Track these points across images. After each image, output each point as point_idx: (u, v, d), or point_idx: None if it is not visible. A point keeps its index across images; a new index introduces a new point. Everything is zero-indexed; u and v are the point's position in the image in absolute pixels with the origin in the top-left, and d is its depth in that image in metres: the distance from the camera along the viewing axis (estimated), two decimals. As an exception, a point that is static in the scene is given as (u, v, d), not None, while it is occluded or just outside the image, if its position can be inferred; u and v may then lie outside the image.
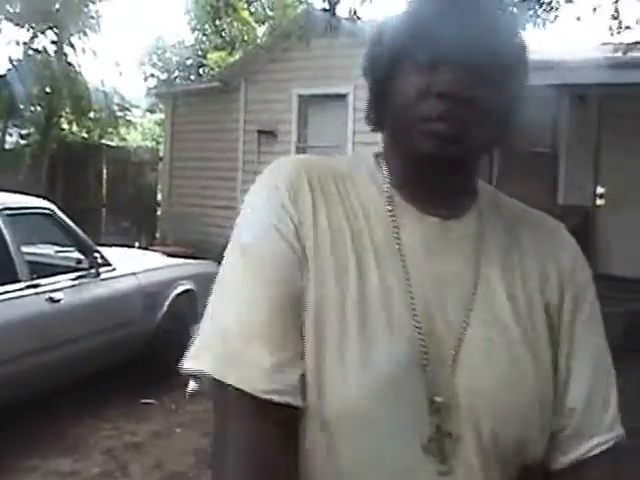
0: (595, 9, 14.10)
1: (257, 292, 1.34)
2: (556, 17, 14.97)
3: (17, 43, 18.05)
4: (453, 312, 1.41)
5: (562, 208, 13.28)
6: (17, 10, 17.46)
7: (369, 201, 1.47)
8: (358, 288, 1.36)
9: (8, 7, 17.42)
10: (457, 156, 1.38)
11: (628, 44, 11.71)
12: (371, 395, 1.31)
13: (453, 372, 1.37)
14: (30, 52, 17.92)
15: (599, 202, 13.76)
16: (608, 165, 13.27)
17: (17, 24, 17.78)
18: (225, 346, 1.32)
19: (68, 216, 7.62)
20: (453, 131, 1.34)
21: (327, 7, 10.88)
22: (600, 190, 13.70)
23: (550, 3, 14.79)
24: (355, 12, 12.37)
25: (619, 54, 11.64)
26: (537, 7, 14.71)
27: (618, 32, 11.99)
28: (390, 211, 1.46)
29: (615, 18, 12.01)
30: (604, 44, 13.02)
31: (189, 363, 1.34)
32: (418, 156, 1.39)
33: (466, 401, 1.37)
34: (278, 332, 1.32)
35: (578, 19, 15.34)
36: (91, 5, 17.73)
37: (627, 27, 11.90)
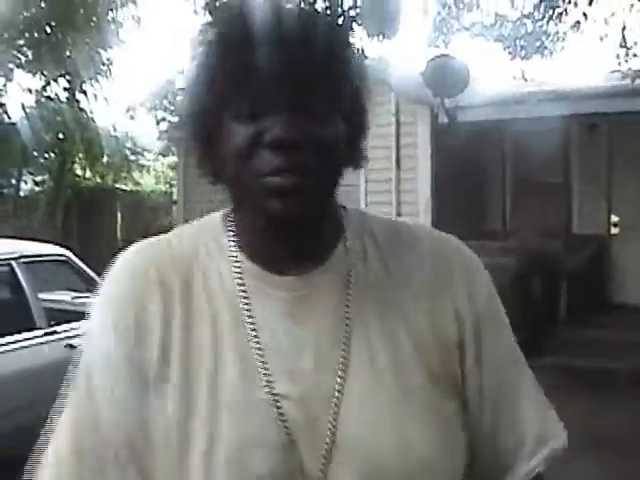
0: (602, 38, 14.16)
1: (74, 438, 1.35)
2: (563, 48, 15.03)
3: (30, 91, 18.20)
4: (327, 381, 1.27)
5: (577, 237, 13.27)
6: (29, 58, 17.62)
7: (216, 280, 1.34)
8: (208, 388, 1.27)
9: (20, 55, 17.58)
10: (305, 206, 1.23)
11: (636, 71, 11.73)
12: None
13: (331, 445, 1.25)
14: (42, 99, 18.06)
15: (614, 231, 13.74)
16: (621, 193, 13.27)
17: (29, 71, 17.94)
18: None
19: (84, 261, 7.65)
20: (295, 182, 1.21)
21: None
22: (614, 219, 13.68)
23: (557, 34, 14.86)
24: (362, 51, 12.44)
25: (628, 82, 11.66)
26: (544, 38, 14.78)
27: (626, 60, 12.02)
28: (240, 285, 1.32)
29: (623, 46, 12.05)
30: (612, 72, 13.05)
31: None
32: (265, 215, 1.26)
33: (340, 473, 1.25)
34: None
35: (585, 49, 15.41)
36: (102, 52, 17.88)
37: (635, 55, 11.93)
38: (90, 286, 7.53)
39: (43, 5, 16.21)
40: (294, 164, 1.20)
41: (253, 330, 1.29)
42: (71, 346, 6.76)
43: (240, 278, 1.33)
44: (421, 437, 1.27)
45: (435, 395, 1.31)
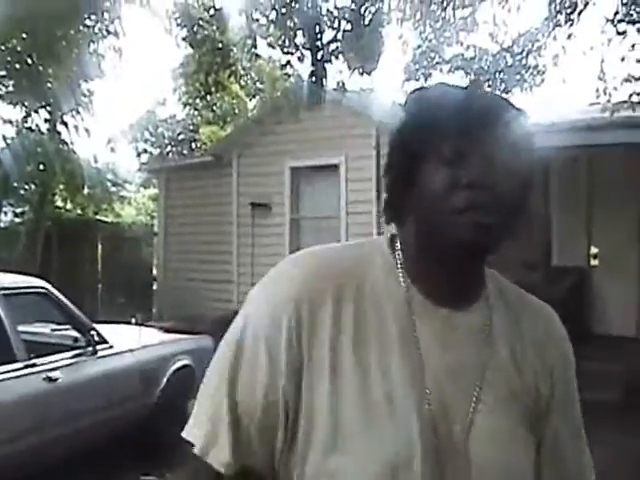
0: (581, 72, 14.27)
1: (230, 396, 1.49)
2: (542, 81, 15.17)
3: (10, 122, 18.17)
4: (463, 401, 1.49)
5: (557, 269, 13.32)
6: (10, 89, 17.61)
7: (385, 296, 1.52)
8: (358, 388, 1.43)
9: (1, 86, 17.57)
10: (489, 243, 1.47)
11: (615, 104, 11.83)
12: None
13: (466, 464, 1.46)
14: (23, 130, 18.03)
15: (593, 262, 13.81)
16: (601, 225, 13.35)
17: (10, 102, 17.91)
18: (206, 430, 1.50)
19: (63, 294, 7.61)
20: (486, 219, 1.41)
21: (314, 80, 10.99)
22: (594, 250, 13.75)
23: (536, 67, 14.99)
24: (343, 84, 12.50)
25: (607, 115, 11.76)
26: (523, 72, 14.90)
27: (605, 93, 12.13)
28: (407, 302, 1.51)
29: (601, 79, 12.16)
30: (592, 105, 13.16)
31: (185, 432, 1.53)
32: (455, 246, 1.45)
33: None
34: (240, 437, 1.48)
35: (564, 82, 15.56)
36: (83, 84, 17.87)
37: (614, 88, 12.04)
38: (69, 318, 7.50)
39: (24, 36, 16.19)
40: (487, 203, 1.41)
41: (418, 349, 1.48)
42: (50, 379, 6.72)
43: (408, 298, 1.52)
44: (522, 468, 1.54)
45: (529, 429, 1.57)
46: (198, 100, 29.53)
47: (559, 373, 1.64)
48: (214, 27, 15.34)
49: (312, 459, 1.43)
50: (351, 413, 1.42)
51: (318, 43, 10.47)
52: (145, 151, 32.57)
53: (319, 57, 10.30)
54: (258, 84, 26.82)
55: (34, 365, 6.67)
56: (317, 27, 10.44)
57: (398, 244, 1.58)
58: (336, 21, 10.69)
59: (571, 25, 13.80)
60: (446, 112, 1.44)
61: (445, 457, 1.44)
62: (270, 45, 14.00)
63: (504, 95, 14.93)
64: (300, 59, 11.01)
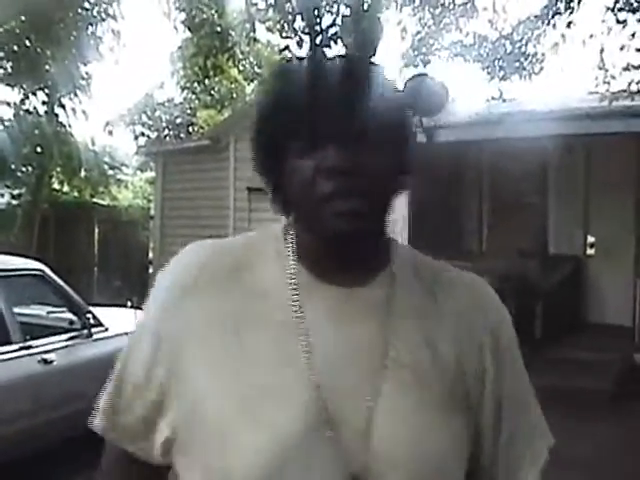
0: (580, 60, 14.25)
1: (125, 378, 1.56)
2: (541, 69, 15.14)
3: (8, 104, 18.13)
4: (363, 381, 1.42)
5: (553, 258, 13.35)
6: (8, 71, 17.56)
7: (271, 281, 1.50)
8: (238, 376, 1.42)
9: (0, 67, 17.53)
10: (362, 228, 1.41)
11: (614, 93, 11.81)
12: (274, 464, 1.36)
13: (366, 442, 1.39)
14: (21, 112, 17.99)
15: (590, 251, 13.83)
16: (597, 214, 13.36)
17: (8, 84, 17.87)
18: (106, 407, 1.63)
19: (60, 276, 7.62)
20: (349, 206, 1.37)
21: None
22: (590, 239, 13.77)
23: (535, 55, 14.96)
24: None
25: (605, 103, 11.74)
26: (522, 59, 14.87)
27: (604, 82, 12.11)
28: (294, 288, 1.48)
29: (601, 68, 12.14)
30: (590, 93, 13.13)
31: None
32: (327, 235, 1.43)
33: (380, 470, 1.39)
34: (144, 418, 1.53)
35: (563, 70, 15.55)
36: (81, 66, 17.82)
37: (612, 77, 12.02)
38: (65, 301, 7.50)
39: (23, 18, 16.14)
40: (347, 189, 1.38)
41: (302, 330, 1.44)
42: (45, 361, 6.72)
43: (293, 282, 1.49)
44: (449, 438, 1.45)
45: (454, 415, 1.47)
46: (196, 84, 29.47)
47: (492, 345, 1.54)
48: (213, 10, 15.30)
49: (196, 451, 1.44)
50: (232, 405, 1.40)
51: (317, 27, 10.44)
52: (142, 134, 32.49)
53: (318, 42, 10.28)
54: (256, 68, 26.75)
55: (29, 347, 6.68)
56: (316, 11, 10.41)
57: (291, 232, 1.56)
58: (335, 5, 10.65)
59: (571, 13, 13.77)
60: (301, 95, 1.41)
61: (341, 446, 1.38)
62: (268, 29, 13.97)
63: (502, 81, 14.95)
64: (299, 44, 10.97)
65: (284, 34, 11.13)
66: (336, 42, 10.07)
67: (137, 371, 1.52)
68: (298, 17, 10.85)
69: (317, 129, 1.39)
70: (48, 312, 7.75)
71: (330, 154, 1.37)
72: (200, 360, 1.45)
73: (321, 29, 10.18)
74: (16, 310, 6.89)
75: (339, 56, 1.50)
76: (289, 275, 1.50)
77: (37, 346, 6.78)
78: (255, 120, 1.51)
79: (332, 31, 10.15)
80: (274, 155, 1.46)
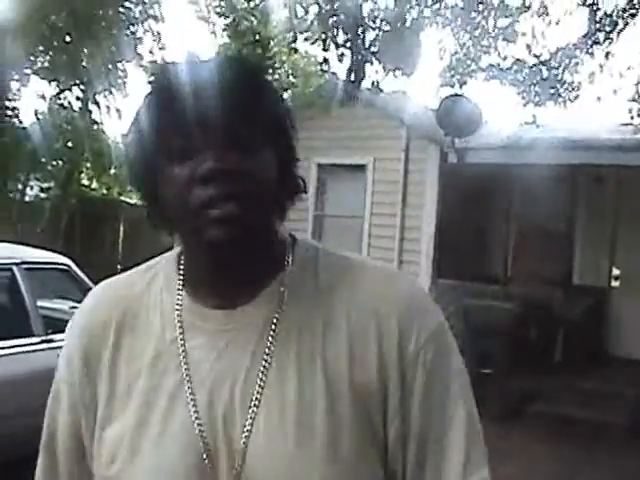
0: (616, 91, 14.23)
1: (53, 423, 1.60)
2: (577, 97, 15.12)
3: (43, 97, 18.26)
4: (240, 412, 1.37)
5: (577, 288, 13.28)
6: (45, 65, 17.69)
7: (158, 313, 1.48)
8: (126, 413, 1.44)
9: (37, 61, 17.65)
10: (240, 235, 1.33)
11: (647, 126, 11.80)
12: None
13: (239, 473, 1.36)
14: (55, 107, 18.11)
15: (614, 283, 13.75)
16: (624, 247, 13.28)
17: (44, 78, 18.00)
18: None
19: (83, 271, 7.65)
20: (228, 211, 1.31)
21: (353, 79, 10.99)
22: (615, 272, 13.69)
23: (571, 83, 14.95)
24: (377, 84, 12.52)
25: (638, 136, 11.71)
26: (558, 86, 14.86)
27: (638, 114, 12.10)
28: (178, 316, 1.46)
29: (635, 100, 12.12)
30: (623, 125, 13.10)
31: None
32: (203, 244, 1.37)
33: None
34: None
35: (598, 99, 15.51)
36: (118, 65, 17.94)
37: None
38: (89, 297, 7.53)
39: (65, 14, 16.26)
40: (225, 194, 1.30)
41: (185, 362, 1.42)
42: (65, 356, 6.76)
43: (179, 311, 1.46)
44: (317, 475, 1.33)
45: (341, 435, 1.35)
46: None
47: (396, 349, 1.38)
48: (255, 19, 15.35)
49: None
50: (119, 442, 1.42)
51: (359, 42, 10.46)
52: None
53: (360, 58, 10.31)
54: (292, 78, 26.80)
55: (51, 341, 6.71)
56: (359, 27, 10.46)
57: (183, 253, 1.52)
58: (377, 21, 10.69)
59: (610, 44, 13.76)
60: (176, 98, 1.33)
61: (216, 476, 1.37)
62: (307, 40, 14.02)
63: (536, 107, 14.91)
64: (340, 58, 11.02)
65: (326, 47, 11.20)
66: (377, 59, 10.12)
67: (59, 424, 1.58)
68: (340, 31, 10.91)
69: (191, 134, 1.32)
70: (71, 307, 7.78)
71: (206, 160, 1.31)
72: (100, 395, 1.49)
73: (364, 45, 10.22)
74: (39, 303, 6.92)
75: (216, 58, 1.44)
76: (175, 302, 1.48)
77: (58, 340, 6.80)
78: (129, 127, 1.44)
79: (373, 48, 10.18)
80: (149, 164, 1.39)
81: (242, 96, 1.34)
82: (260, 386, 1.37)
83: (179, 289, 1.48)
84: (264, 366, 1.38)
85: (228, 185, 1.31)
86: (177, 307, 1.46)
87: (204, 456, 1.36)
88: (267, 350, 1.39)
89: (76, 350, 1.53)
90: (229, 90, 1.34)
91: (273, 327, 1.40)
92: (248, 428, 1.35)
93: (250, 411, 1.36)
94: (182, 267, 1.50)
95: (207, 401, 1.38)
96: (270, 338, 1.39)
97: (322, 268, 1.47)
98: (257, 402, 1.36)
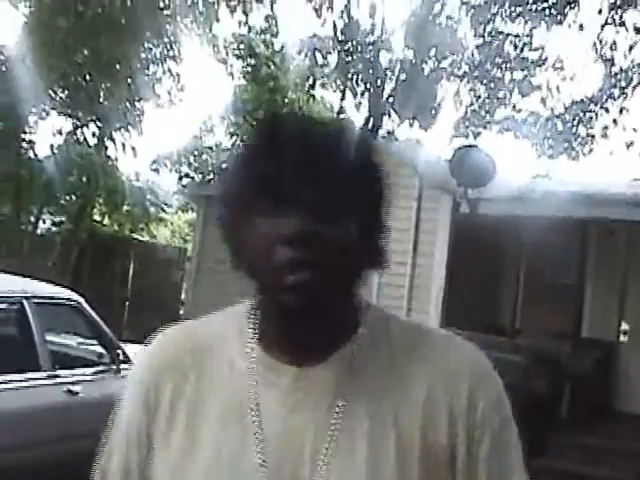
0: (629, 145, 14.28)
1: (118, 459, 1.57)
2: (590, 151, 15.17)
3: (60, 132, 18.38)
4: (308, 468, 1.38)
5: (586, 341, 13.23)
6: (63, 100, 17.84)
7: (229, 366, 1.49)
8: (193, 461, 1.43)
9: (55, 97, 17.79)
10: (313, 301, 1.34)
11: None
12: None
13: None
14: (71, 142, 18.22)
15: (622, 338, 13.71)
16: (633, 301, 13.25)
17: (61, 113, 18.14)
18: None
19: (91, 307, 7.66)
20: (304, 278, 1.32)
21: (370, 128, 11.05)
22: (624, 326, 13.65)
23: (585, 137, 15.00)
24: (393, 133, 12.57)
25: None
26: (572, 139, 14.91)
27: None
28: (251, 368, 1.46)
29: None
30: (636, 180, 13.13)
31: None
32: (278, 306, 1.38)
33: None
34: None
35: (611, 154, 15.56)
36: (136, 103, 18.08)
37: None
38: (97, 334, 7.54)
39: (86, 52, 16.43)
40: (303, 259, 1.31)
41: (255, 414, 1.43)
42: (70, 392, 6.75)
43: (251, 364, 1.47)
44: None
45: None
46: (245, 132, 29.64)
47: (464, 416, 1.41)
48: (273, 65, 15.47)
49: None
50: None
51: (377, 93, 10.53)
52: (187, 175, 32.70)
53: (377, 108, 10.35)
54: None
55: (57, 376, 6.71)
56: (378, 79, 10.54)
57: (255, 307, 1.53)
58: (396, 71, 10.78)
59: (624, 99, 13.82)
60: (267, 158, 1.36)
61: None
62: (324, 86, 14.12)
63: (549, 160, 14.94)
64: (357, 107, 11.08)
65: (343, 96, 11.27)
66: (395, 111, 10.17)
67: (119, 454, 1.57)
68: (359, 79, 10.99)
69: (283, 193, 1.33)
70: (78, 343, 7.79)
71: (293, 221, 1.31)
72: (164, 448, 1.48)
73: (383, 96, 10.27)
74: (48, 338, 6.94)
75: (321, 123, 1.45)
76: (248, 356, 1.49)
77: (65, 376, 6.81)
78: (223, 174, 1.49)
79: (391, 99, 10.25)
80: (238, 216, 1.41)
81: (340, 166, 1.36)
82: (331, 446, 1.38)
83: (250, 341, 1.49)
84: (335, 427, 1.40)
85: (309, 251, 1.31)
86: (250, 359, 1.47)
87: None
88: (338, 410, 1.41)
89: (139, 389, 1.54)
90: (330, 157, 1.35)
91: (345, 389, 1.42)
92: None
93: (319, 469, 1.37)
94: (254, 320, 1.51)
95: (276, 456, 1.39)
96: (342, 399, 1.41)
97: (393, 332, 1.50)
98: (327, 462, 1.37)
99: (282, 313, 1.40)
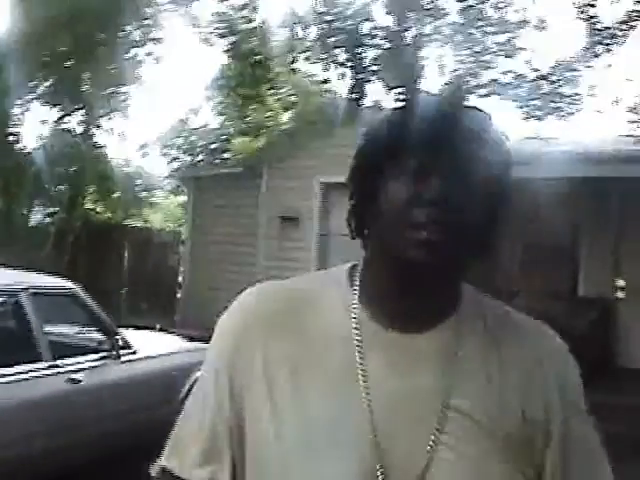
0: (616, 102, 14.27)
1: (201, 417, 1.53)
2: (577, 110, 15.16)
3: (45, 122, 18.33)
4: (420, 432, 1.39)
5: (582, 300, 13.27)
6: (47, 90, 17.77)
7: (332, 325, 1.48)
8: (298, 417, 1.41)
9: (39, 87, 17.72)
10: (442, 263, 1.38)
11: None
12: None
13: None
14: (58, 131, 18.17)
15: (619, 295, 13.72)
16: (629, 258, 13.27)
17: (46, 103, 18.08)
18: (174, 450, 1.57)
19: (89, 296, 7.65)
20: (437, 238, 1.34)
21: (353, 98, 11.04)
22: (620, 283, 13.67)
23: (571, 96, 14.99)
24: (379, 103, 12.54)
25: (639, 147, 11.73)
26: (559, 100, 14.90)
27: (638, 126, 12.13)
28: (356, 332, 1.46)
29: (635, 112, 12.16)
30: (624, 136, 13.12)
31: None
32: (405, 262, 1.39)
33: None
34: (209, 449, 1.51)
35: (599, 111, 15.53)
36: (120, 88, 18.01)
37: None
38: (95, 321, 7.53)
39: (65, 39, 16.33)
40: (445, 222, 1.35)
41: (363, 377, 1.42)
42: (72, 380, 6.75)
43: (357, 328, 1.46)
44: None
45: (512, 462, 1.42)
46: (232, 110, 29.59)
47: (557, 397, 1.48)
48: (256, 40, 15.42)
49: None
50: (290, 446, 1.41)
51: (359, 61, 10.50)
52: (176, 158, 32.67)
53: (360, 77, 10.34)
54: (293, 98, 26.88)
55: (58, 366, 6.71)
56: (358, 47, 10.51)
57: (358, 272, 1.54)
58: (377, 40, 10.75)
59: (609, 56, 13.79)
60: (413, 125, 1.40)
61: None
62: (307, 59, 14.09)
63: (537, 121, 14.95)
64: (340, 77, 11.06)
65: (326, 67, 11.24)
66: (378, 78, 10.15)
67: (205, 410, 1.53)
68: (340, 50, 10.94)
69: (426, 156, 1.37)
70: (77, 332, 7.78)
71: (433, 185, 1.35)
72: (263, 402, 1.45)
73: (363, 64, 10.25)
74: (46, 328, 6.93)
75: (460, 98, 1.50)
76: (353, 321, 1.47)
77: (65, 365, 6.81)
78: (367, 134, 1.51)
79: (373, 67, 10.21)
80: (376, 171, 1.44)
81: (483, 141, 1.40)
82: (442, 412, 1.40)
83: (355, 305, 1.49)
84: (445, 394, 1.42)
85: (446, 213, 1.35)
86: (355, 322, 1.47)
87: (377, 467, 1.37)
88: (446, 378, 1.43)
89: (236, 344, 1.52)
90: (475, 131, 1.40)
91: (453, 357, 1.45)
92: (429, 454, 1.38)
93: (431, 437, 1.39)
94: (357, 284, 1.52)
95: (388, 421, 1.40)
96: (448, 368, 1.44)
97: (488, 312, 1.55)
98: (438, 432, 1.39)
99: (405, 270, 1.40)
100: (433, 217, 1.35)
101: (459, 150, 1.37)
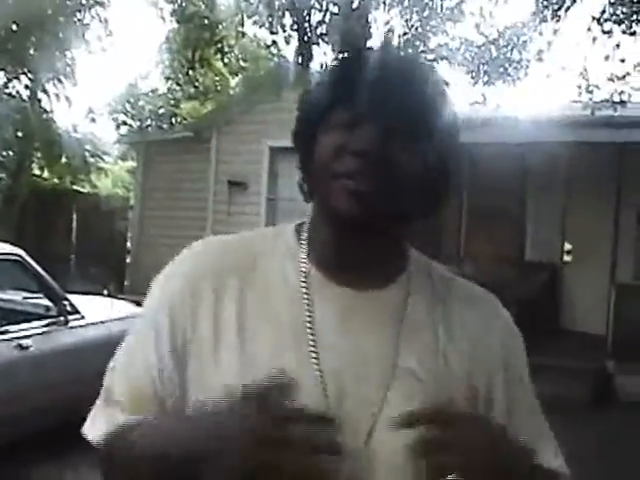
0: (564, 68, 14.34)
1: (126, 372, 1.54)
2: (526, 75, 15.21)
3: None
4: (370, 388, 1.39)
5: (529, 264, 13.41)
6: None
7: (279, 277, 1.47)
8: (245, 372, 1.37)
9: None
10: (370, 215, 1.35)
11: (596, 102, 11.90)
12: None
13: (366, 448, 1.37)
14: (3, 96, 17.90)
15: (566, 258, 13.88)
16: (576, 222, 13.40)
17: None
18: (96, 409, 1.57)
19: (37, 262, 7.58)
20: (365, 189, 1.33)
21: (300, 61, 10.99)
22: (567, 246, 13.82)
23: (520, 61, 15.04)
24: (327, 66, 12.48)
25: (588, 112, 11.82)
26: (507, 65, 14.94)
27: (587, 91, 12.20)
28: (305, 287, 1.45)
29: (584, 77, 12.22)
30: (573, 102, 13.21)
31: None
32: (333, 215, 1.39)
33: (378, 478, 1.38)
34: (134, 402, 1.48)
35: (548, 77, 15.60)
36: (66, 52, 17.76)
37: (596, 86, 12.11)
38: (42, 287, 7.47)
39: (10, 2, 16.07)
40: (371, 173, 1.33)
41: (309, 324, 1.42)
42: (21, 346, 6.70)
43: (305, 279, 1.46)
44: None
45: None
46: (180, 75, 29.37)
47: (501, 367, 1.52)
48: (202, 3, 15.29)
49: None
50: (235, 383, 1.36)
51: (306, 25, 10.45)
52: (125, 123, 32.37)
53: (306, 39, 10.30)
54: (241, 62, 26.72)
55: (6, 332, 6.66)
56: (305, 9, 10.45)
57: (305, 228, 1.52)
58: (324, 3, 10.69)
59: (557, 21, 13.85)
60: (345, 80, 1.38)
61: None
62: (256, 23, 14.00)
63: (485, 86, 15.00)
64: (287, 40, 11.00)
65: (273, 30, 11.18)
66: (325, 41, 10.11)
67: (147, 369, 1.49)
68: (287, 14, 10.88)
69: (359, 108, 1.35)
70: (24, 298, 7.72)
71: (362, 135, 1.33)
72: (209, 354, 1.42)
73: (310, 27, 10.20)
74: (-7, 295, 6.88)
75: (397, 49, 1.47)
76: (301, 273, 1.46)
77: (14, 331, 6.76)
78: (302, 96, 1.51)
79: (320, 29, 10.18)
80: (313, 124, 1.43)
81: (419, 90, 1.38)
82: (390, 372, 1.41)
83: (303, 259, 1.48)
84: (393, 353, 1.42)
85: (376, 164, 1.33)
86: (302, 273, 1.46)
87: (328, 404, 1.37)
88: (396, 338, 1.43)
89: (182, 288, 1.47)
90: (409, 80, 1.38)
91: (402, 314, 1.45)
92: (375, 411, 1.38)
93: (377, 394, 1.39)
94: (305, 239, 1.51)
95: (336, 376, 1.39)
96: (398, 327, 1.44)
97: (434, 272, 1.57)
98: (387, 388, 1.40)
99: (335, 222, 1.41)
100: (361, 167, 1.33)
101: (392, 100, 1.34)
